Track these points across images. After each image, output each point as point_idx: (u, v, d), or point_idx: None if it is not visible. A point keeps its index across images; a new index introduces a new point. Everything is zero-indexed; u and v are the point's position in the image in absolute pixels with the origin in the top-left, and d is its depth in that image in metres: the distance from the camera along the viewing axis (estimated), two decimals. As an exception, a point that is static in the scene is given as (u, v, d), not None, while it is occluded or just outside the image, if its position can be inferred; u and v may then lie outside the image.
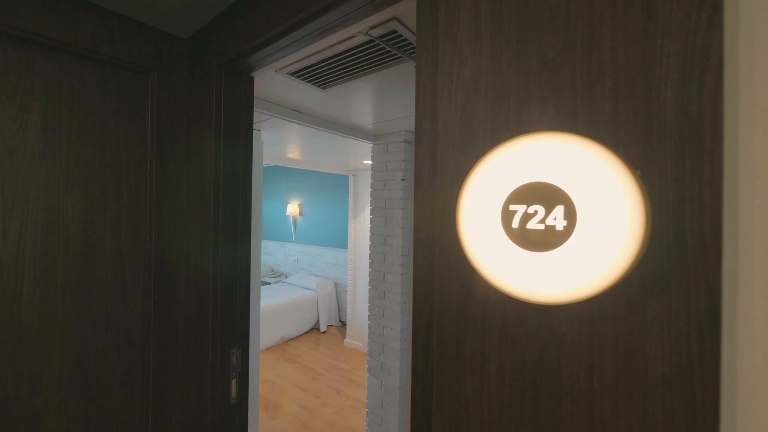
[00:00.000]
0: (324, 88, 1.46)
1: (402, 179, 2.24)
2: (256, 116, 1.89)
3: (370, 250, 2.41)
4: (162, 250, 1.20)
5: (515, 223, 0.42)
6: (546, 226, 0.40)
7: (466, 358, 0.50)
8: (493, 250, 0.44)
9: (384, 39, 1.01)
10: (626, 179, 0.35)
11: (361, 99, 1.65)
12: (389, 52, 1.09)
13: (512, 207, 0.42)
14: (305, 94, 1.58)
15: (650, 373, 0.37)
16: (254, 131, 2.07)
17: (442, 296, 0.53)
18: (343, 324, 5.12)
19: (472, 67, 0.51)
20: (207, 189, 1.21)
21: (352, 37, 1.01)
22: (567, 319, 0.42)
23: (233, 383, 1.20)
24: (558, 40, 0.44)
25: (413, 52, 1.09)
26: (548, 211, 0.39)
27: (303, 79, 1.37)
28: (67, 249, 1.05)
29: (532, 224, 0.41)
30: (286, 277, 5.92)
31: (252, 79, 1.26)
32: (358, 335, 4.40)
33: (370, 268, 2.41)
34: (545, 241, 0.40)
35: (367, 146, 2.73)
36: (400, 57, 1.13)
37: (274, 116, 1.75)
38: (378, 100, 1.68)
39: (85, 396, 1.07)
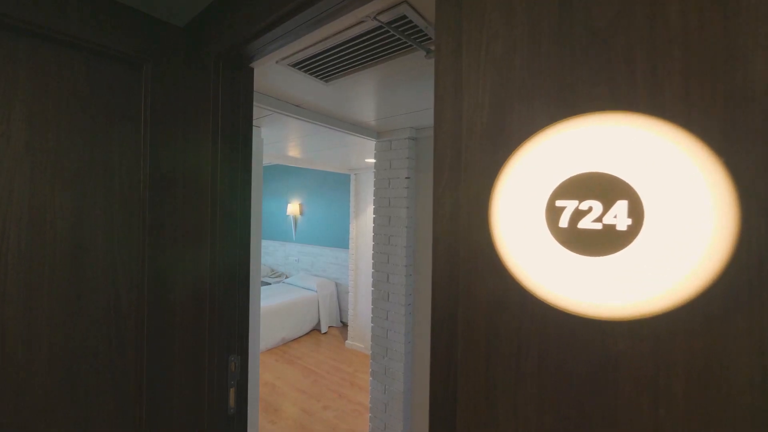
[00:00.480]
0: (327, 81, 1.39)
1: (406, 177, 2.18)
2: (256, 112, 1.83)
3: (373, 250, 2.34)
4: (156, 251, 1.14)
5: (563, 222, 0.35)
6: (604, 226, 0.33)
7: (498, 376, 0.43)
8: (534, 253, 0.37)
9: (393, 25, 0.95)
10: (710, 167, 0.29)
11: (364, 93, 1.59)
12: (398, 40, 1.03)
13: (559, 203, 0.36)
14: (307, 87, 1.51)
15: (735, 404, 0.31)
16: (254, 128, 2.00)
17: (467, 305, 0.46)
18: (345, 325, 5.06)
19: (504, 42, 0.44)
20: (204, 187, 1.15)
21: (360, 23, 0.95)
22: (625, 335, 0.36)
23: (231, 392, 1.13)
24: (611, 4, 0.37)
25: (424, 40, 1.03)
26: (607, 207, 0.33)
27: (305, 71, 1.30)
28: (54, 250, 0.98)
29: (586, 223, 0.34)
30: (287, 277, 5.85)
31: (251, 71, 1.19)
32: (359, 336, 4.33)
33: (373, 269, 2.34)
34: (603, 243, 0.33)
35: (369, 144, 2.66)
36: (409, 45, 1.06)
37: (274, 111, 1.68)
38: (382, 95, 1.61)
39: (75, 406, 1.01)
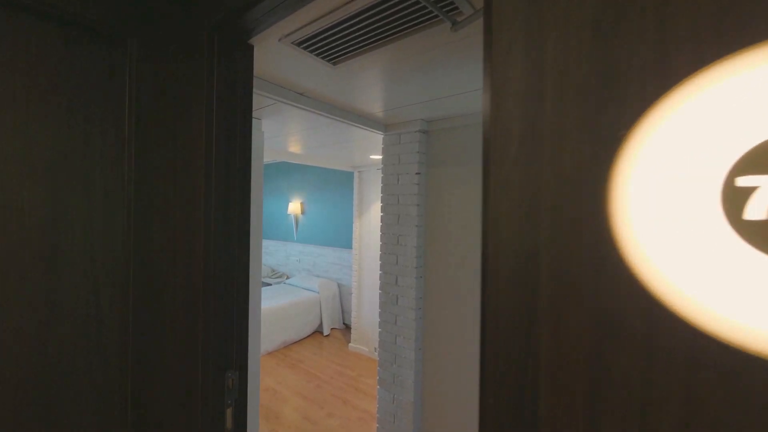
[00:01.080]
0: (335, 64, 1.26)
1: (417, 173, 2.04)
2: (256, 102, 1.69)
3: (381, 251, 2.21)
4: (143, 253, 1.00)
5: (755, 211, 0.22)
6: None
7: (610, 441, 0.30)
8: (696, 258, 0.24)
9: (415, -11, 0.81)
10: None
11: (373, 79, 1.45)
12: (422, 9, 0.89)
13: (745, 180, 0.22)
14: (312, 72, 1.38)
15: None
16: (254, 120, 1.87)
17: (555, 335, 0.33)
18: (347, 327, 4.93)
19: (614, -46, 0.31)
20: (197, 182, 1.01)
21: (377, -15, 0.81)
22: None
23: (228, 412, 1.00)
24: None
25: (449, 10, 0.89)
26: None
27: (311, 51, 1.17)
28: (24, 253, 0.85)
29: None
30: (288, 278, 5.72)
31: (251, 49, 1.06)
32: (363, 339, 4.20)
33: (380, 270, 2.21)
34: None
35: (375, 138, 2.53)
36: (434, 16, 0.92)
37: (276, 100, 1.55)
38: (392, 82, 1.48)
39: (50, 431, 0.88)
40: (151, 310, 1.02)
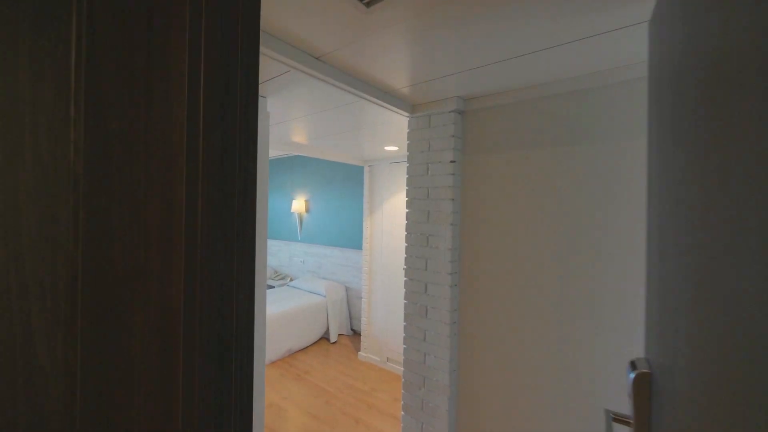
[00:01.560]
0: (368, 4, 0.94)
1: (451, 161, 1.72)
2: (262, 72, 1.37)
3: (406, 253, 1.89)
4: (97, 258, 0.68)
5: None
6: None
7: None
8: None
9: None
10: None
11: (405, 35, 1.13)
12: None
13: None
14: (336, 22, 1.06)
15: None
16: (259, 98, 1.56)
17: None
18: (356, 333, 4.62)
19: None
20: (177, 156, 0.68)
21: None
22: None
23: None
24: None
25: None
26: None
27: (339, -19, 0.85)
28: None
29: None
30: (291, 279, 5.41)
31: (257, -35, 0.73)
32: (374, 348, 3.88)
33: (405, 276, 1.89)
34: None
35: (392, 125, 2.21)
36: None
37: (288, 65, 1.23)
38: (427, 39, 1.16)
39: None
40: (111, 347, 0.70)
